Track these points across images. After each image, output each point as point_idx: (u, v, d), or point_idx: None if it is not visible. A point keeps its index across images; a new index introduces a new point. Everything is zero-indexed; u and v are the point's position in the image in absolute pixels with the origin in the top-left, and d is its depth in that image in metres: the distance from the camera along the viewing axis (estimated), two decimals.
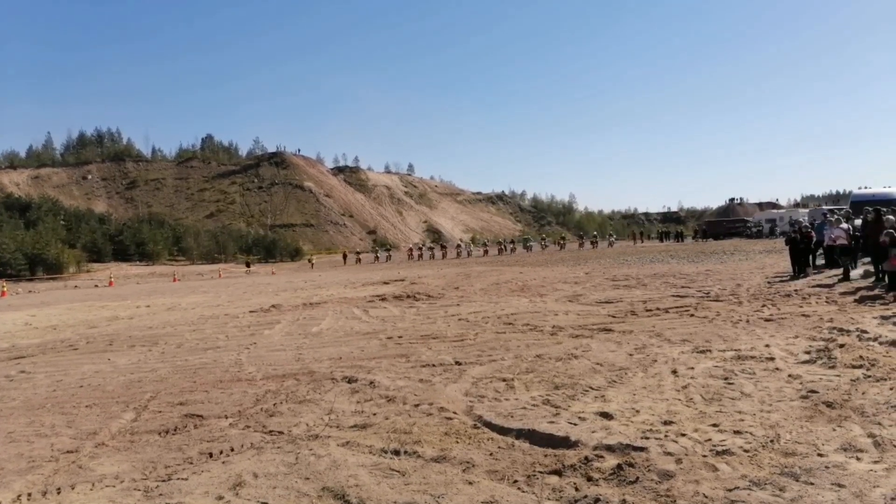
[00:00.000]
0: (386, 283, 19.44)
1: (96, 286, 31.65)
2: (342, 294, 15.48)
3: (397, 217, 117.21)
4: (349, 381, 5.46)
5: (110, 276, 37.44)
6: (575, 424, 3.92)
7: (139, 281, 38.15)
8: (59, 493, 3.26)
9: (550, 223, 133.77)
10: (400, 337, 7.99)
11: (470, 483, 3.09)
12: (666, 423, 3.90)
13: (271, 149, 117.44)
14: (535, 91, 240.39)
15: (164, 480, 3.38)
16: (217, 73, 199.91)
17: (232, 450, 3.82)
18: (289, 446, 3.83)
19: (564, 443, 3.57)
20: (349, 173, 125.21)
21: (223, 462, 3.63)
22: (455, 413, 4.31)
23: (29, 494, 3.23)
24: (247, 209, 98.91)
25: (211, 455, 3.75)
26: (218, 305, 14.70)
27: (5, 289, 27.36)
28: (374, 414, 4.44)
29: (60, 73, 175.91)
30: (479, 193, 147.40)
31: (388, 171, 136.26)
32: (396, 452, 3.56)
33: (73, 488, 3.31)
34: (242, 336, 8.92)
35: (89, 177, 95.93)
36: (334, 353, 7.01)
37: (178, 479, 3.38)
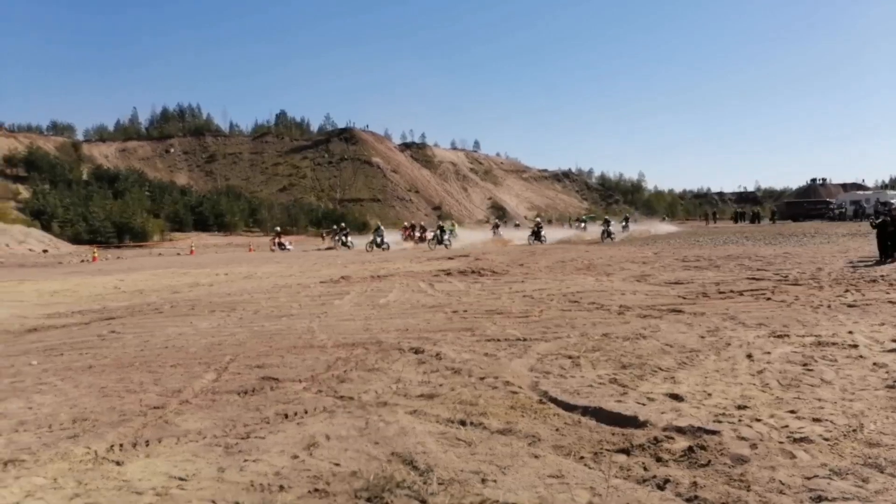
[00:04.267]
0: (451, 258, 19.57)
1: (178, 254, 33.31)
2: (408, 268, 15.71)
3: (462, 193, 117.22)
4: (416, 352, 5.57)
5: (191, 244, 39.33)
6: (643, 405, 3.87)
7: (217, 250, 39.96)
8: (147, 445, 3.49)
9: (618, 202, 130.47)
10: (465, 311, 8.06)
11: (536, 457, 3.11)
12: (740, 407, 3.79)
13: (341, 125, 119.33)
14: (603, 68, 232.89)
15: (243, 438, 3.57)
16: (291, 52, 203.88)
17: (306, 412, 3.99)
18: (359, 411, 3.96)
19: (632, 422, 3.54)
20: (416, 149, 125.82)
21: (297, 423, 3.80)
22: (520, 387, 4.33)
23: (121, 445, 3.48)
24: (317, 183, 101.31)
25: (286, 416, 3.93)
26: (290, 275, 15.23)
27: (96, 254, 29.30)
28: (441, 385, 4.51)
29: (146, 51, 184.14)
30: (544, 171, 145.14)
31: (454, 148, 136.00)
32: (462, 423, 3.62)
33: (159, 442, 3.54)
34: (314, 305, 9.23)
35: (172, 150, 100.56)
36: (401, 325, 7.15)
37: (256, 437, 3.57)
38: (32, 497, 2.80)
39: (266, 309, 9.01)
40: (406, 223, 39.20)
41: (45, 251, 37.42)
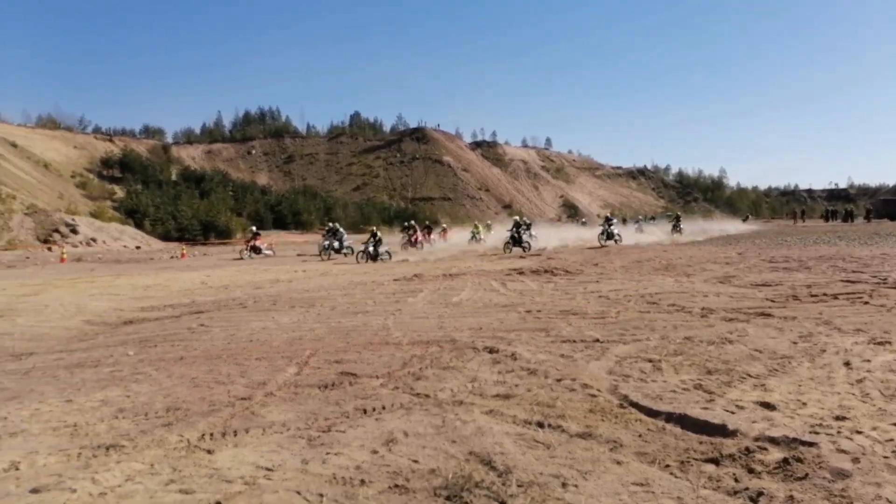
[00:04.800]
0: (522, 257, 19.42)
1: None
2: (480, 267, 15.70)
3: (533, 191, 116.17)
4: (490, 352, 5.54)
5: (271, 242, 40.88)
6: (732, 413, 3.69)
7: (295, 248, 41.30)
8: (235, 435, 3.64)
9: (697, 199, 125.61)
10: (539, 311, 7.97)
11: (618, 463, 3.03)
12: (838, 418, 3.55)
13: (413, 124, 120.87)
14: (682, 61, 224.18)
15: (324, 431, 3.66)
16: (366, 55, 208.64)
17: (383, 408, 4.05)
18: (435, 409, 3.98)
19: (721, 431, 3.38)
20: (486, 148, 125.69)
21: (376, 419, 3.85)
22: (599, 391, 4.23)
23: (211, 434, 3.64)
24: (389, 182, 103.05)
25: (365, 411, 4.00)
26: (365, 273, 15.54)
27: (185, 251, 30.93)
28: (516, 385, 4.47)
29: (230, 56, 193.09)
30: (618, 168, 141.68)
31: (525, 146, 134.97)
32: (540, 425, 3.57)
33: (247, 432, 3.68)
34: (388, 302, 9.37)
35: (253, 151, 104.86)
36: (474, 324, 7.14)
37: (337, 431, 3.65)
38: (132, 481, 2.97)
39: (342, 305, 9.22)
40: (408, 223, 31.97)
41: (137, 248, 39.89)
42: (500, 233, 31.44)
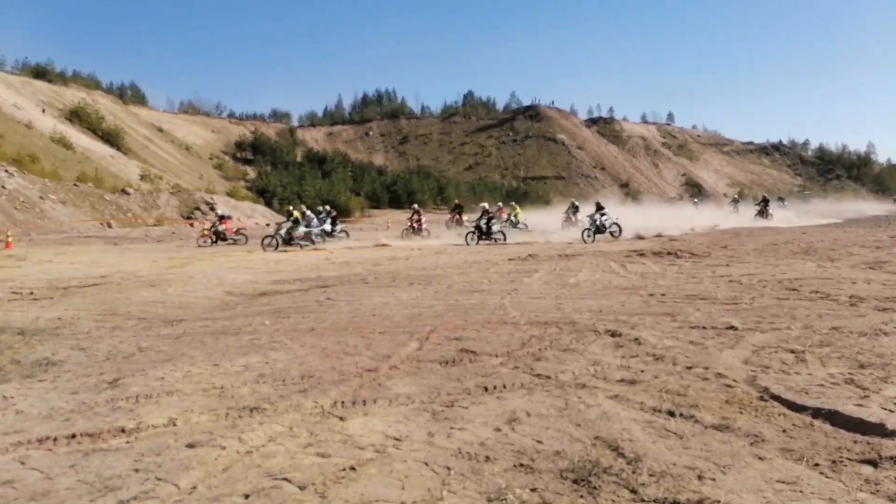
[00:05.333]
0: (642, 237, 18.66)
1: (376, 230, 35.92)
2: (596, 247, 15.28)
3: (652, 169, 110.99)
4: (612, 335, 5.38)
5: (387, 221, 42.19)
6: (891, 411, 3.33)
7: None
8: (364, 404, 3.79)
9: (840, 177, 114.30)
10: (663, 295, 7.62)
11: (760, 458, 2.83)
12: None
13: (526, 102, 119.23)
14: (820, 24, 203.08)
15: (447, 406, 3.72)
16: (478, 34, 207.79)
17: (504, 387, 4.05)
18: (557, 391, 3.92)
19: (879, 430, 3.06)
20: (602, 124, 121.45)
21: (497, 397, 3.87)
22: (735, 381, 3.97)
23: (342, 402, 3.82)
24: (501, 161, 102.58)
25: (486, 389, 4.02)
26: (479, 251, 15.63)
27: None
28: (642, 371, 4.31)
29: (351, 40, 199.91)
30: (749, 143, 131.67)
31: (644, 122, 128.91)
32: (671, 413, 3.41)
33: (374, 402, 3.83)
34: (504, 282, 9.37)
35: (370, 133, 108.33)
36: (594, 306, 6.96)
37: (460, 406, 3.70)
38: (274, 442, 3.18)
39: (459, 284, 9.33)
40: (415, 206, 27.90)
41: (267, 225, 42.67)
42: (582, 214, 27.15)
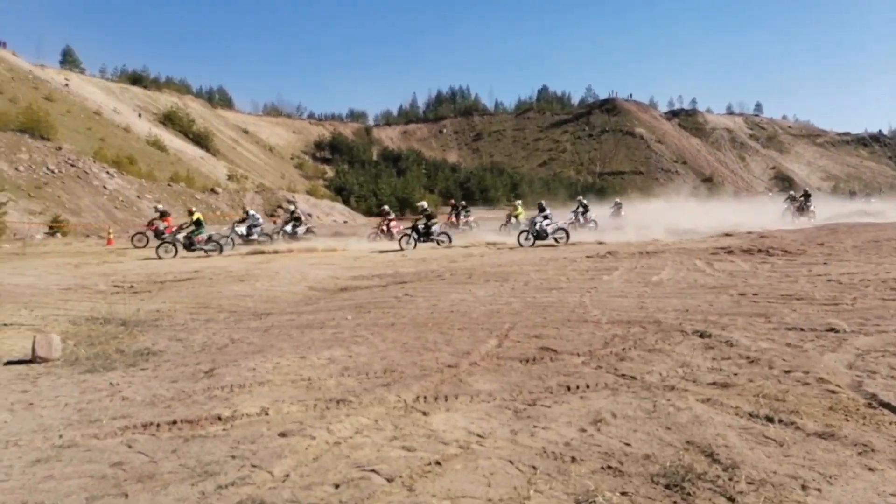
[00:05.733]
0: (729, 234, 17.83)
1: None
2: (679, 244, 14.73)
3: (738, 163, 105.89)
4: (701, 336, 5.16)
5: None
6: None
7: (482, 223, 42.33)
8: (446, 400, 3.81)
9: None
10: (755, 294, 7.24)
11: (870, 469, 2.63)
12: None
13: (603, 96, 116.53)
14: None
15: (529, 404, 3.68)
16: (553, 28, 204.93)
17: (587, 386, 3.97)
18: (644, 392, 3.80)
19: None
20: (684, 117, 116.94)
21: (580, 397, 3.79)
22: (839, 387, 3.72)
23: (424, 397, 3.85)
24: (577, 157, 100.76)
25: (568, 388, 3.95)
26: (556, 249, 15.41)
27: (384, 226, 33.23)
28: (735, 374, 4.11)
29: (424, 40, 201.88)
30: (845, 134, 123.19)
31: (730, 113, 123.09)
32: (769, 419, 3.23)
33: (456, 398, 3.84)
34: (582, 279, 9.19)
35: (444, 131, 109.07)
36: (679, 305, 6.71)
37: (542, 405, 3.65)
38: (360, 434, 3.25)
39: (535, 281, 9.23)
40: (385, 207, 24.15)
41: (345, 222, 43.79)
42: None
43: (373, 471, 2.78)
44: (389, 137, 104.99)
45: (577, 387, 3.98)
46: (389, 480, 2.68)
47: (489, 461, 2.88)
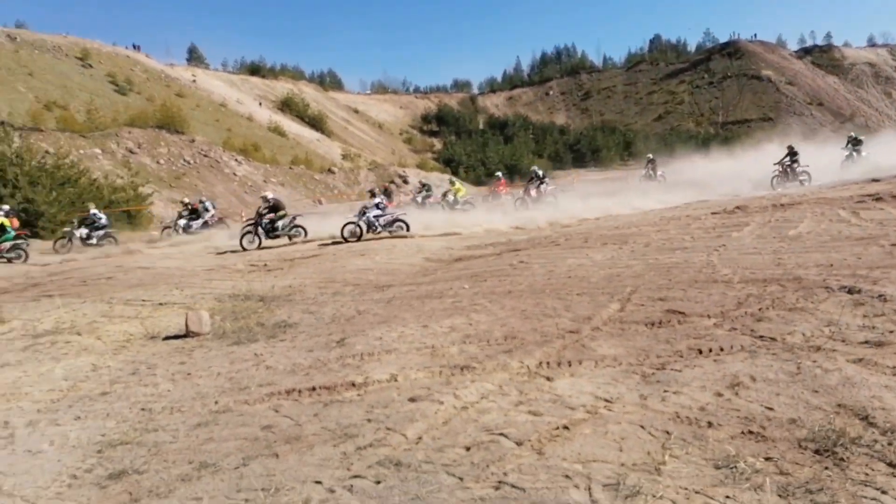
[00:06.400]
0: (877, 179, 16.05)
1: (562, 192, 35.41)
2: (820, 194, 13.48)
3: (883, 100, 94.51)
4: (849, 292, 4.72)
5: (573, 181, 41.30)
6: None
7: (594, 185, 41.05)
8: (569, 365, 3.78)
9: None
10: None
11: None
12: None
13: (723, 39, 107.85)
14: None
15: (658, 369, 3.57)
16: None
17: (721, 349, 3.77)
18: (785, 354, 3.55)
19: None
20: (818, 53, 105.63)
21: (714, 360, 3.61)
22: None
23: (547, 363, 3.85)
24: (696, 108, 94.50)
25: (700, 352, 3.78)
26: (676, 207, 14.67)
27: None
28: (891, 332, 3.73)
29: (525, 2, 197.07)
30: None
31: (871, 45, 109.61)
32: None
33: (580, 363, 3.79)
34: (709, 237, 8.68)
35: (550, 92, 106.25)
36: (822, 260, 6.16)
37: (672, 370, 3.52)
38: (486, 399, 3.31)
39: (657, 242, 8.85)
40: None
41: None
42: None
43: (501, 434, 2.82)
44: (495, 105, 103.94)
45: (710, 350, 3.80)
46: (518, 444, 2.72)
47: (619, 426, 2.83)
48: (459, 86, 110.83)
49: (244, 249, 14.04)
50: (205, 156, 36.23)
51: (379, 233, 14.30)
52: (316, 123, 65.78)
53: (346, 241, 13.88)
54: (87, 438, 3.25)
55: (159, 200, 27.46)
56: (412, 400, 3.37)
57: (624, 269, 6.82)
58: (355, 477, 2.54)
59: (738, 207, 11.87)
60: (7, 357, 5.15)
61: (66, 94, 39.81)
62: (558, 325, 4.70)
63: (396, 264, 9.55)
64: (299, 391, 3.70)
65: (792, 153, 19.56)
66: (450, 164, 62.57)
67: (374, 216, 14.43)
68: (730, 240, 8.22)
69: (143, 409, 3.65)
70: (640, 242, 8.91)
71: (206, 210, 19.01)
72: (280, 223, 15.13)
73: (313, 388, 3.71)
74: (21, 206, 17.98)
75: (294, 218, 15.65)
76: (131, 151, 33.10)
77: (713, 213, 11.66)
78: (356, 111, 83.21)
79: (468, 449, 2.72)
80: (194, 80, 60.86)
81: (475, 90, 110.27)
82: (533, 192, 19.93)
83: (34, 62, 44.10)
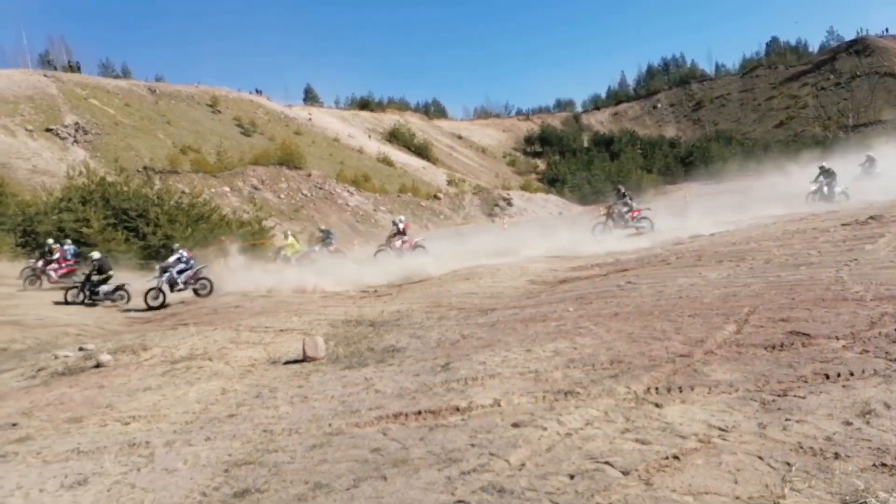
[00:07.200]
0: None
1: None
2: None
3: None
4: None
5: (685, 195, 39.52)
6: None
7: (711, 199, 39.00)
8: (680, 391, 3.63)
9: None
10: None
11: None
12: None
13: (849, 36, 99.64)
14: None
15: (779, 395, 3.34)
16: None
17: (851, 374, 3.47)
18: None
19: None
20: None
21: (843, 386, 3.34)
22: None
23: (656, 389, 3.71)
24: (821, 111, 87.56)
25: (827, 376, 3.50)
26: (802, 219, 13.64)
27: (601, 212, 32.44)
28: None
29: (627, 13, 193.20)
30: None
31: None
32: None
33: (692, 389, 3.63)
34: (838, 251, 8.01)
35: (658, 105, 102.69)
36: None
37: (795, 396, 3.29)
38: (591, 426, 3.25)
39: (779, 257, 8.28)
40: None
41: (560, 213, 43.75)
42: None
43: (607, 463, 2.77)
44: (599, 122, 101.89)
45: (838, 375, 3.51)
46: (625, 473, 2.65)
47: (734, 456, 2.68)
48: (562, 105, 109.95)
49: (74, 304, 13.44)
50: (320, 188, 38.38)
51: (181, 290, 13.45)
52: (422, 152, 67.69)
53: (151, 308, 12.76)
54: (215, 458, 3.54)
55: (280, 232, 29.39)
56: (515, 425, 3.38)
57: (741, 288, 6.44)
58: (459, 502, 2.59)
59: (871, 217, 10.85)
60: (149, 381, 5.72)
61: (198, 139, 43.77)
62: (668, 349, 4.52)
63: (500, 288, 9.59)
64: (406, 415, 3.81)
65: (826, 172, 18.09)
66: (554, 183, 62.07)
67: (178, 271, 13.49)
68: (862, 253, 7.53)
69: (264, 431, 3.91)
70: (759, 259, 8.37)
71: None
72: (102, 287, 13.66)
73: (419, 413, 3.82)
74: (161, 242, 19.92)
75: (125, 285, 13.83)
76: (255, 188, 35.76)
77: (843, 225, 10.73)
78: (460, 137, 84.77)
79: (572, 477, 2.69)
80: (310, 119, 64.70)
81: (578, 108, 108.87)
82: (620, 216, 17.05)
83: (171, 111, 48.96)
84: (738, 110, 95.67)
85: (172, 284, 13.35)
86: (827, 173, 18.32)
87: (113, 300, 13.55)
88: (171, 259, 13.70)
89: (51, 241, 17.52)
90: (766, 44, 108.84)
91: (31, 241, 19.92)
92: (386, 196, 42.64)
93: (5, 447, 4.17)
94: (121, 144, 38.34)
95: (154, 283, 13.14)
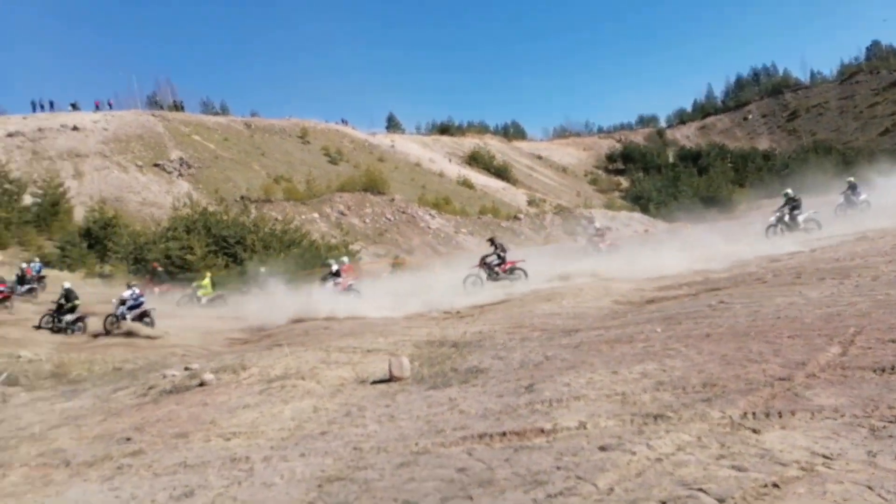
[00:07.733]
0: None
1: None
2: None
3: None
4: None
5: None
6: None
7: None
8: (780, 416, 3.44)
9: None
10: None
11: None
12: None
13: None
14: None
15: (890, 422, 3.11)
16: None
17: None
18: None
19: None
20: None
21: None
22: None
23: (753, 413, 3.54)
24: None
25: None
26: None
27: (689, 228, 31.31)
28: None
29: (715, 24, 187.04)
30: None
31: None
32: None
33: (792, 414, 3.44)
34: None
35: (749, 116, 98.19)
36: None
37: None
38: (683, 451, 3.15)
39: (888, 274, 7.69)
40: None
41: (645, 231, 42.48)
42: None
43: (701, 490, 2.67)
44: (685, 136, 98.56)
45: None
46: (720, 501, 2.55)
47: (841, 486, 2.52)
48: (645, 121, 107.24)
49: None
50: (403, 212, 39.31)
51: (80, 332, 14.15)
52: (501, 173, 67.89)
53: (108, 333, 13.87)
54: (309, 473, 3.69)
55: (365, 255, 30.32)
56: (602, 449, 3.32)
57: (846, 308, 6.04)
58: None
59: None
60: (248, 399, 6.03)
61: (290, 168, 46.06)
62: (766, 372, 4.30)
63: (583, 308, 9.43)
64: (491, 436, 3.83)
65: (791, 200, 17.47)
66: (638, 201, 60.44)
67: (128, 307, 14.13)
68: None
69: (354, 448, 4.04)
70: (866, 276, 7.81)
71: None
72: (66, 317, 14.48)
73: (504, 434, 3.82)
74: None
75: (85, 316, 14.61)
76: (342, 213, 37.13)
77: None
78: (539, 157, 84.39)
79: (664, 503, 2.61)
80: (392, 145, 66.52)
81: (662, 124, 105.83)
82: (789, 219, 17.62)
83: (265, 143, 51.83)
84: (837, 119, 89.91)
85: (120, 319, 14.15)
86: (791, 201, 17.82)
87: (73, 330, 14.35)
88: (126, 294, 14.46)
89: (24, 264, 19.06)
90: (867, 48, 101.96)
91: (141, 267, 21.58)
92: (466, 218, 43.03)
93: (121, 460, 4.52)
94: (220, 176, 40.99)
95: (114, 311, 14.22)
